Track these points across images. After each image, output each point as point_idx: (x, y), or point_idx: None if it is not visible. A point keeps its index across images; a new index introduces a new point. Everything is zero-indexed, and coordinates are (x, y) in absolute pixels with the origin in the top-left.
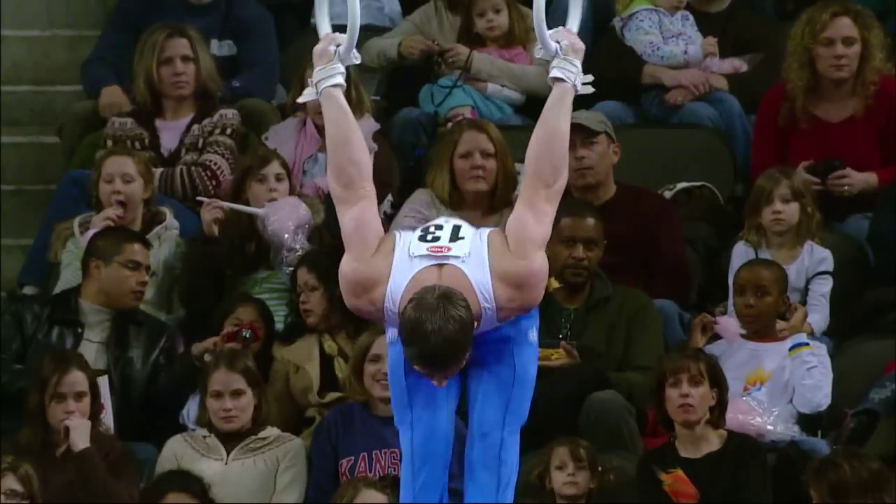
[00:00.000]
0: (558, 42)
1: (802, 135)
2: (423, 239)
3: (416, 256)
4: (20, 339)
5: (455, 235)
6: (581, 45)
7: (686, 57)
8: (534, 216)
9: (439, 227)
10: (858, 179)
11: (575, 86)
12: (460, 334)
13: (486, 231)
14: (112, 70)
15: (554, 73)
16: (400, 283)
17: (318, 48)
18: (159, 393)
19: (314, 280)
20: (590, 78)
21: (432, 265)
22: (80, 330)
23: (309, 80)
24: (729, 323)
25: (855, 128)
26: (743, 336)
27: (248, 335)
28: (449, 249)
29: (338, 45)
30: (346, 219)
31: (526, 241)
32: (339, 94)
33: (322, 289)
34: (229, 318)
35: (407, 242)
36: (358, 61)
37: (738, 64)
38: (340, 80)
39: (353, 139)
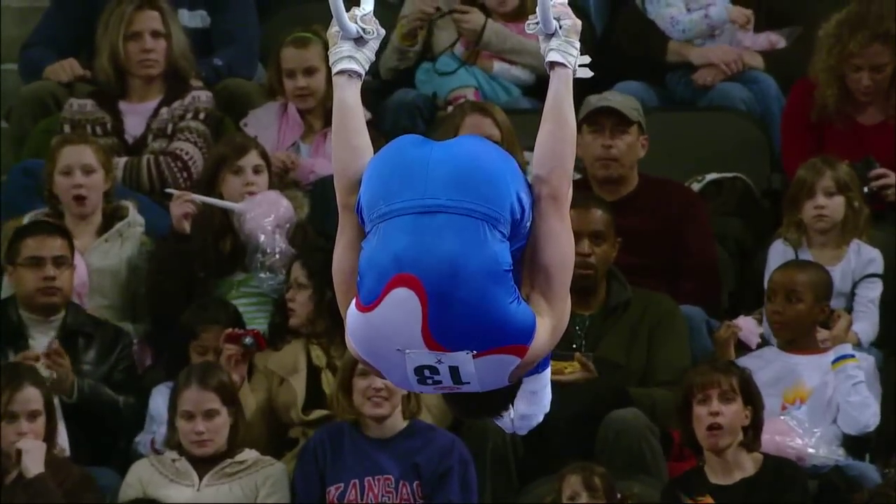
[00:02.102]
0: (558, 20)
1: (836, 133)
2: (422, 383)
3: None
4: None
5: (458, 379)
6: (579, 25)
7: (708, 21)
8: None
9: (435, 372)
10: None
11: (574, 71)
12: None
13: (508, 366)
14: (55, 52)
15: (555, 56)
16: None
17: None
18: (117, 412)
19: (304, 278)
20: (587, 59)
21: None
22: (22, 343)
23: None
24: (748, 323)
25: (890, 131)
26: (777, 346)
27: (249, 342)
28: (458, 389)
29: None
30: (342, 242)
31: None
32: (343, 84)
33: (311, 289)
34: (197, 337)
35: (396, 378)
36: (376, 35)
37: (775, 39)
38: (346, 65)
39: (354, 143)
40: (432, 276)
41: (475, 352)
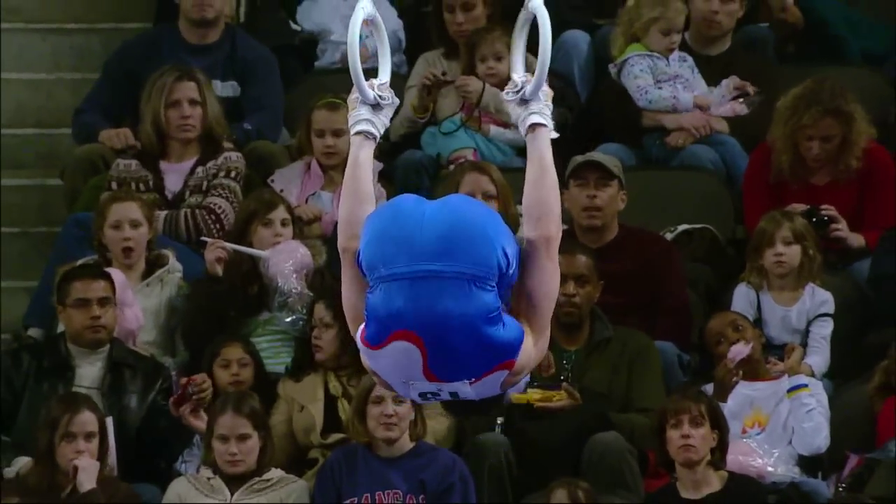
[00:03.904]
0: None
1: (791, 191)
2: (424, 399)
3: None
4: (11, 395)
5: (455, 397)
6: (550, 90)
7: (675, 103)
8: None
9: (435, 395)
10: (850, 235)
11: (551, 130)
12: None
13: (499, 380)
14: (103, 117)
15: (538, 119)
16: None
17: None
18: (158, 437)
19: (330, 318)
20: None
21: None
22: (70, 374)
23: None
24: (738, 349)
25: (840, 190)
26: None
27: (193, 391)
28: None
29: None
30: (346, 279)
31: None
32: (358, 144)
33: (337, 328)
34: (216, 358)
35: (402, 390)
36: (391, 102)
37: (739, 108)
38: (362, 127)
39: (360, 194)
40: (429, 330)
41: (472, 379)
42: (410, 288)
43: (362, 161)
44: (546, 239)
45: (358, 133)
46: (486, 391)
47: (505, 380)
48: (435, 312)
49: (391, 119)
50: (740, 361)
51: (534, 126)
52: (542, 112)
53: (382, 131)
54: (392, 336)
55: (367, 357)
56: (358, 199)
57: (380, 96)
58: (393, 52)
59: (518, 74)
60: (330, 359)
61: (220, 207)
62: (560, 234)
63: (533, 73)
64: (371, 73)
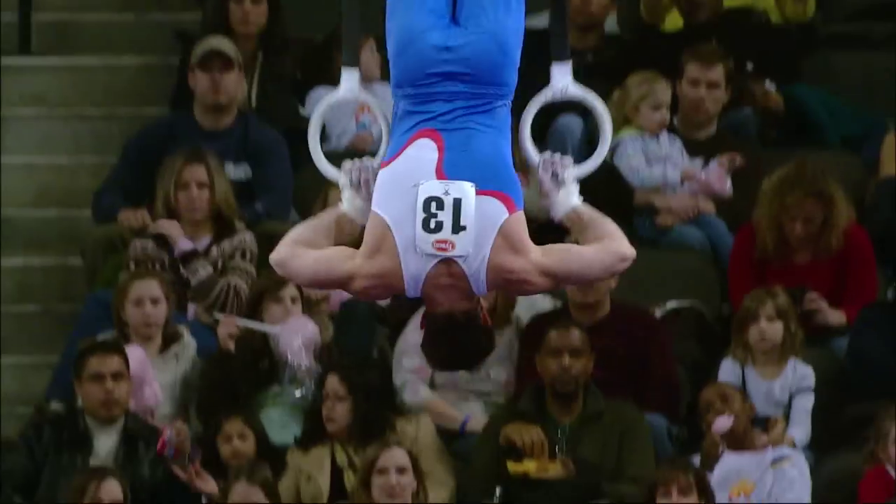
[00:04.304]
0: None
1: (774, 270)
2: (426, 228)
3: (423, 254)
4: (32, 465)
5: (457, 224)
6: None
7: (664, 180)
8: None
9: (440, 206)
10: (830, 313)
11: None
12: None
13: (497, 218)
14: (122, 198)
15: (578, 203)
16: (416, 275)
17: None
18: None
19: (344, 391)
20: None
21: (440, 261)
22: (87, 446)
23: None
24: (722, 421)
25: (821, 268)
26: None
27: (169, 453)
28: (453, 247)
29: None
30: (314, 256)
31: (525, 242)
32: (336, 209)
33: (350, 400)
34: (219, 431)
35: (408, 233)
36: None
37: (721, 184)
38: (342, 205)
39: (314, 231)
40: (451, 131)
41: (477, 188)
42: (436, 106)
43: (328, 221)
44: (622, 258)
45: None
46: (484, 235)
47: (496, 240)
48: (457, 121)
49: None
50: (724, 434)
51: (577, 209)
52: (575, 193)
53: (360, 214)
54: (415, 135)
55: (381, 186)
56: (310, 233)
57: (356, 179)
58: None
59: (536, 155)
60: (341, 430)
61: (242, 289)
62: (566, 272)
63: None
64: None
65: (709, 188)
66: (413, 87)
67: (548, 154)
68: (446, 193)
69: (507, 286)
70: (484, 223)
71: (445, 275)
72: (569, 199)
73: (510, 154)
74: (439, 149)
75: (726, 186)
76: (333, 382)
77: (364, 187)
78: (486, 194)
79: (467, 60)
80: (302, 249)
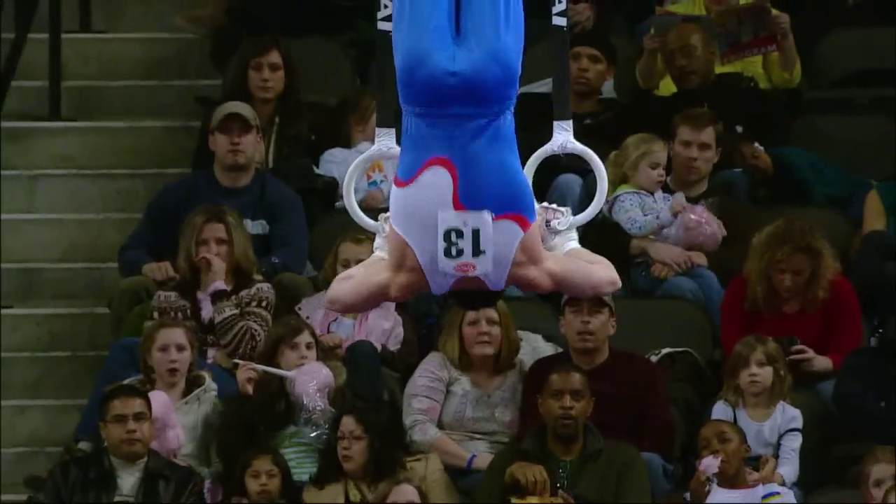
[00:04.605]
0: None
1: (764, 319)
2: (447, 255)
3: (445, 273)
4: None
5: (477, 249)
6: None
7: (658, 222)
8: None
9: (459, 236)
10: (817, 359)
11: None
12: None
13: (515, 239)
14: (147, 252)
15: (577, 246)
16: (441, 285)
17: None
18: None
19: (360, 431)
20: None
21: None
22: (112, 485)
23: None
24: (709, 462)
25: (808, 318)
26: (719, 485)
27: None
28: (474, 268)
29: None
30: (353, 281)
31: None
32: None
33: (367, 440)
34: (248, 468)
35: (430, 255)
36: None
37: (712, 229)
38: (377, 254)
39: (361, 298)
40: (461, 156)
41: (494, 214)
42: (446, 126)
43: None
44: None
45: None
46: (501, 255)
47: (516, 259)
48: (468, 143)
49: None
50: (711, 473)
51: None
52: (575, 239)
53: None
54: (427, 163)
55: (399, 207)
56: (359, 301)
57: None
58: None
59: (536, 203)
60: (358, 468)
61: (254, 331)
62: (571, 280)
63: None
64: None
65: (698, 227)
66: (421, 107)
67: (545, 203)
68: (465, 224)
69: (518, 284)
70: (502, 246)
71: (467, 282)
72: (568, 243)
73: (519, 164)
74: (453, 177)
75: (716, 226)
76: (350, 423)
77: None
78: (502, 219)
79: (472, 83)
80: (344, 281)
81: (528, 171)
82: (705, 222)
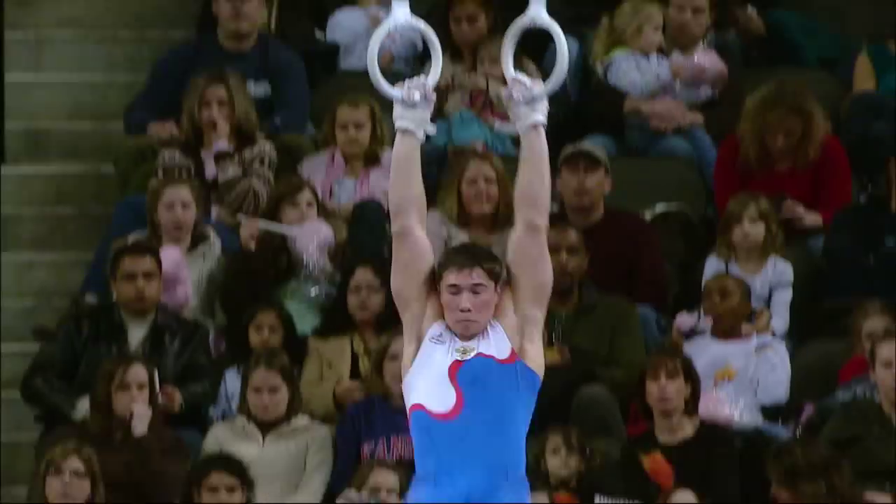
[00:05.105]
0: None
1: (756, 177)
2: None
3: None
4: (72, 355)
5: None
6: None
7: (660, 83)
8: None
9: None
10: (808, 215)
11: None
12: None
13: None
14: (151, 113)
15: (539, 118)
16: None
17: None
18: (191, 387)
19: (378, 284)
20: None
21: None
22: (122, 337)
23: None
24: (682, 317)
25: (799, 176)
26: (712, 335)
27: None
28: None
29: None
30: (397, 263)
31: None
32: (399, 138)
33: (384, 292)
34: (252, 322)
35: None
36: (430, 132)
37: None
38: (398, 123)
39: (404, 180)
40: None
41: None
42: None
43: (402, 152)
44: (546, 227)
45: (398, 129)
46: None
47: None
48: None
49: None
50: (686, 331)
51: (536, 125)
52: (544, 112)
53: (421, 125)
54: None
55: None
56: (403, 184)
57: (407, 97)
58: (409, 59)
59: (511, 74)
60: (369, 319)
61: (259, 190)
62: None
63: (522, 73)
64: (398, 75)
65: (703, 73)
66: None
67: (518, 73)
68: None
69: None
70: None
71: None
72: (532, 115)
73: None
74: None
75: (719, 64)
76: (367, 275)
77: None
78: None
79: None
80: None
81: (508, 45)
82: (709, 64)
